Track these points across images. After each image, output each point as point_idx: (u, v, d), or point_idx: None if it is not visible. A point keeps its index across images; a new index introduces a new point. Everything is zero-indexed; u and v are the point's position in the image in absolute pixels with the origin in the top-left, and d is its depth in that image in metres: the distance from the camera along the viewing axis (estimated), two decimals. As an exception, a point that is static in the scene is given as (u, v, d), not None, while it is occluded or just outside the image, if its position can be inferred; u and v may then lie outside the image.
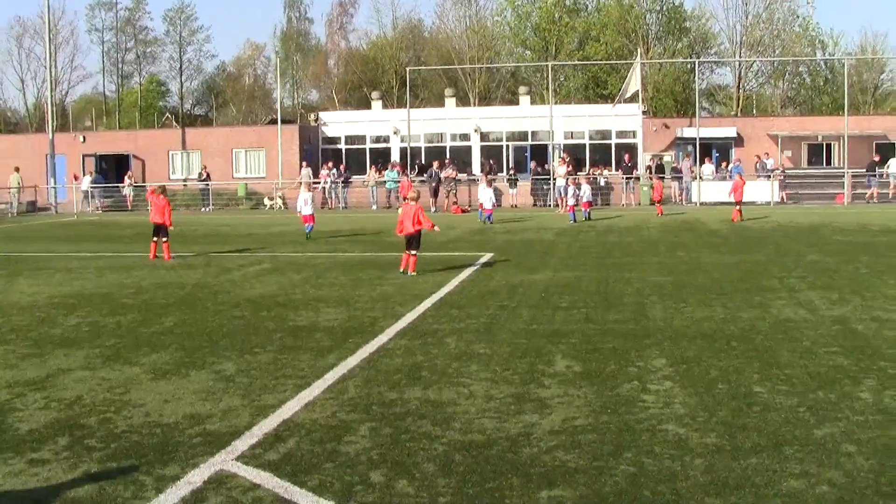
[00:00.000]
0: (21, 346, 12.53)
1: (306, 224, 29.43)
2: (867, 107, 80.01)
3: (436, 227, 20.86)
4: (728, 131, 55.41)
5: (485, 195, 36.76)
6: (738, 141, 55.24)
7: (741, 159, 52.43)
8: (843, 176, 49.27)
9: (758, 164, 50.24)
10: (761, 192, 47.95)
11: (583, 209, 36.70)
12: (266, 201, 52.90)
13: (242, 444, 8.03)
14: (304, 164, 52.42)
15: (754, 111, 78.51)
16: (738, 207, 35.22)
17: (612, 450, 7.70)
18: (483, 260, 22.10)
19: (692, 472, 7.15)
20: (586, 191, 37.25)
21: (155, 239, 23.74)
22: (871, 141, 54.95)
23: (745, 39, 78.54)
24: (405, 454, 7.69)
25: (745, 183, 37.68)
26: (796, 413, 8.69)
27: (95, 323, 14.32)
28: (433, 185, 47.50)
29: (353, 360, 11.20)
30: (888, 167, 49.20)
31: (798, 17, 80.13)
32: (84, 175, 55.13)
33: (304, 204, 29.57)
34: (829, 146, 56.13)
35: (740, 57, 77.10)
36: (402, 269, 19.69)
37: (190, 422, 8.72)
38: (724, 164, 52.27)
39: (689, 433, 8.11)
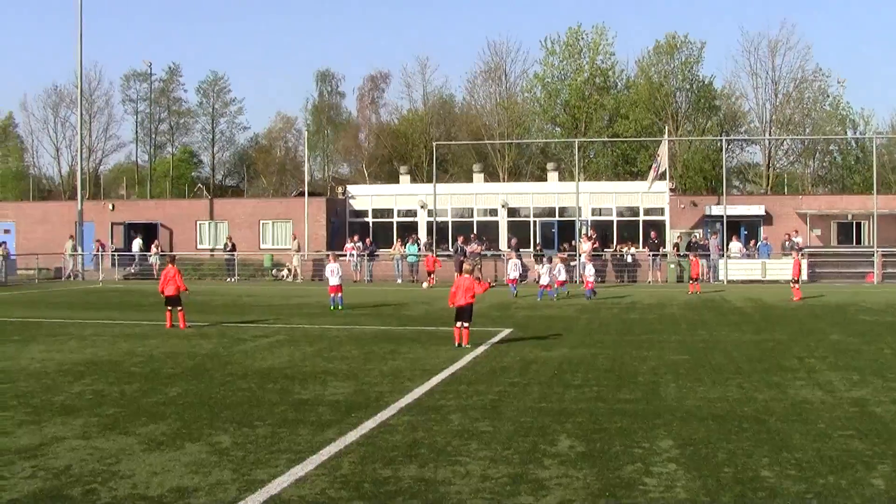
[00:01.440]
0: (20, 413, 12.38)
1: (332, 294, 29.85)
2: (896, 185, 79.66)
3: (492, 284, 21.80)
4: (756, 209, 55.11)
5: (513, 267, 37.62)
6: (767, 219, 54.92)
7: (768, 237, 52.14)
8: (873, 255, 48.77)
9: (787, 243, 49.84)
10: (787, 270, 47.50)
11: (556, 287, 35.75)
12: (274, 272, 52.95)
13: (225, 520, 7.78)
14: (355, 236, 53.01)
15: (785, 190, 78.22)
16: (796, 286, 34.76)
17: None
18: (501, 335, 21.81)
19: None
20: (560, 269, 36.34)
21: (170, 308, 23.75)
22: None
23: (775, 118, 78.63)
24: (390, 535, 7.41)
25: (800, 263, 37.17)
26: (803, 499, 8.36)
27: (99, 391, 14.14)
28: (459, 259, 47.27)
29: (352, 436, 10.93)
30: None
31: (828, 96, 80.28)
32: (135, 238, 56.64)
33: (331, 274, 30.10)
34: (858, 225, 55.70)
35: (770, 135, 77.04)
36: (457, 344, 19.53)
37: (175, 495, 8.48)
38: (752, 243, 51.95)
39: (689, 519, 7.80)
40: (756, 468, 9.42)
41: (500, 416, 12.11)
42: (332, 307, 29.55)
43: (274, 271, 53.12)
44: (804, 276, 46.37)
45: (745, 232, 54.31)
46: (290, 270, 52.12)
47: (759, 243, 51.62)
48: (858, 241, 54.75)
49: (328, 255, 35.74)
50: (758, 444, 10.48)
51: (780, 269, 46.88)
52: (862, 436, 10.87)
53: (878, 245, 49.70)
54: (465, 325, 19.65)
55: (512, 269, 37.31)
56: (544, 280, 35.60)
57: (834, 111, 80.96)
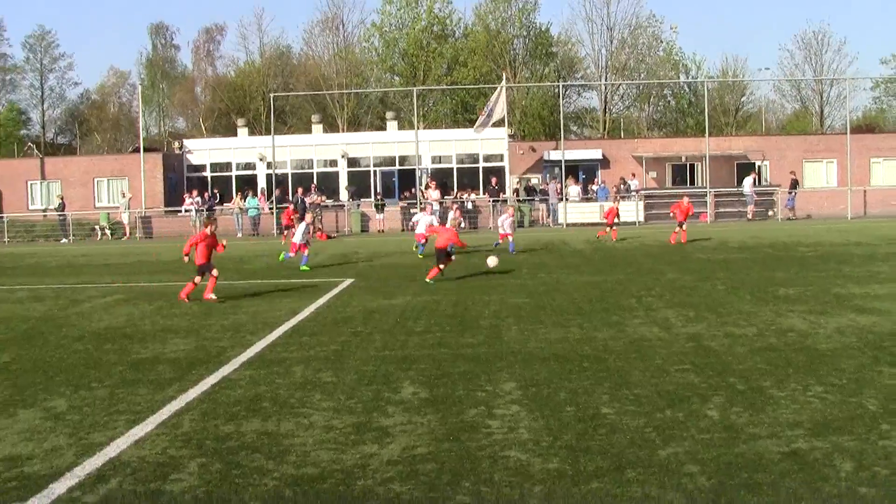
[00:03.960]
0: None
1: (299, 252, 27.20)
2: (729, 128, 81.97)
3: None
4: (594, 153, 56.08)
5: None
6: (604, 163, 55.93)
7: (605, 181, 53.16)
8: (706, 195, 50.15)
9: (621, 185, 50.92)
10: (626, 212, 48.56)
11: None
12: (97, 228, 51.72)
13: (60, 486, 7.51)
14: (193, 192, 51.73)
15: (621, 134, 79.72)
16: (613, 228, 35.43)
17: (450, 479, 7.39)
18: (343, 286, 21.68)
19: (531, 501, 6.90)
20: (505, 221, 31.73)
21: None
22: (733, 161, 56.21)
23: (611, 64, 79.91)
24: (233, 491, 7.27)
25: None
26: (642, 434, 8.51)
27: (-76, 360, 13.53)
28: (300, 212, 46.79)
29: (193, 393, 10.70)
30: (743, 186, 50.32)
31: (662, 42, 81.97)
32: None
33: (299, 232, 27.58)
34: (692, 166, 57.19)
35: (606, 81, 78.30)
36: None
37: (7, 465, 8.14)
38: (590, 186, 52.90)
39: (531, 459, 7.85)
40: (597, 406, 9.57)
41: (344, 366, 12.04)
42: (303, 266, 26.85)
43: (96, 227, 51.74)
44: (640, 218, 47.52)
45: (584, 176, 55.18)
46: (102, 230, 50.87)
47: (597, 187, 52.56)
48: (692, 182, 56.22)
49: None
50: (598, 382, 10.65)
51: (620, 211, 47.81)
52: (697, 370, 11.16)
53: (710, 185, 51.14)
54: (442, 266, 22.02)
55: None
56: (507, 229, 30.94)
57: (667, 56, 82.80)
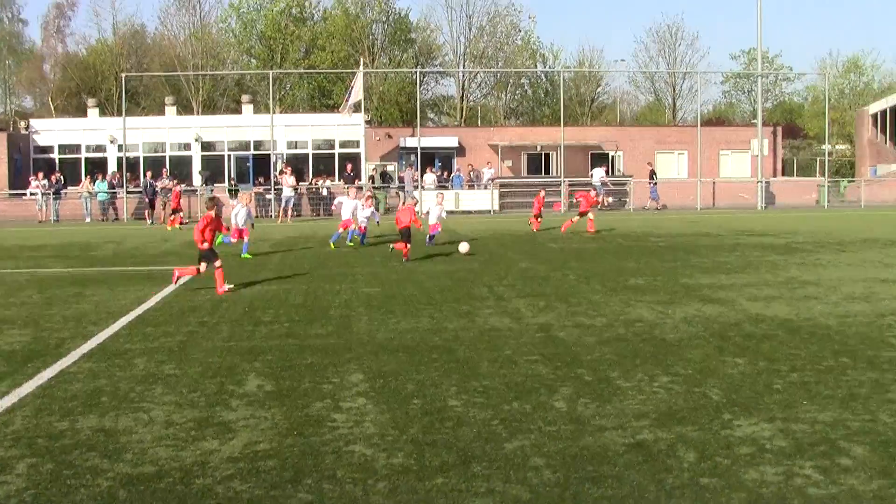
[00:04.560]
0: None
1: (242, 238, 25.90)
2: (585, 118, 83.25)
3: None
4: (450, 141, 56.26)
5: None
6: (461, 151, 56.13)
7: (461, 169, 53.37)
8: (560, 184, 50.73)
9: (472, 173, 51.24)
10: (479, 201, 48.88)
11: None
12: None
13: None
14: (39, 174, 49.96)
15: (479, 122, 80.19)
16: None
17: (291, 476, 7.18)
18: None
19: (374, 497, 6.74)
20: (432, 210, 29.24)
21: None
22: (587, 151, 57.06)
23: (469, 51, 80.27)
24: (63, 493, 6.92)
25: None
26: (489, 426, 8.43)
27: None
28: (148, 196, 45.78)
29: (27, 388, 10.22)
30: (592, 177, 51.12)
31: (520, 31, 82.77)
32: None
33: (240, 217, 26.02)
34: (547, 156, 57.82)
35: (464, 68, 78.62)
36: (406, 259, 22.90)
37: None
38: (445, 174, 53.02)
39: (376, 453, 7.70)
40: (444, 398, 9.47)
41: (188, 357, 11.69)
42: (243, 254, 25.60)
43: None
44: (495, 206, 47.81)
45: (440, 163, 55.27)
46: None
47: (453, 175, 52.72)
48: (547, 172, 56.85)
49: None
50: (447, 373, 10.56)
51: (473, 199, 48.21)
52: (546, 360, 11.16)
53: (564, 175, 51.73)
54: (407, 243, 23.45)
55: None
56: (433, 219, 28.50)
57: (525, 46, 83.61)
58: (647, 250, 25.94)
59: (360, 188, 39.65)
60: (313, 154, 55.43)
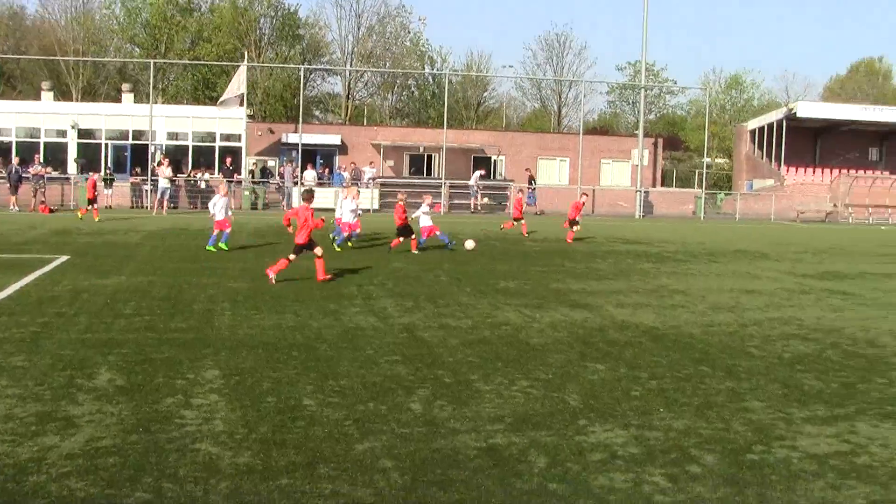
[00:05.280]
0: None
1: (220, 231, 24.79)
2: (470, 122, 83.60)
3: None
4: (333, 139, 55.91)
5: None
6: (343, 149, 55.85)
7: (343, 167, 53.12)
8: (441, 185, 50.78)
9: (352, 171, 51.04)
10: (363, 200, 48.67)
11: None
12: None
13: None
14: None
15: (365, 121, 79.93)
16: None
17: (131, 475, 6.93)
18: (55, 263, 20.56)
19: (213, 497, 6.54)
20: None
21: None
22: (470, 154, 57.27)
23: (357, 50, 79.91)
24: None
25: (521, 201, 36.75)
26: (341, 427, 8.28)
27: None
28: (14, 182, 44.30)
29: None
30: (471, 179, 51.28)
31: (409, 32, 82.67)
32: None
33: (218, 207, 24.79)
34: (429, 157, 57.86)
35: (351, 66, 78.26)
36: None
37: None
38: (325, 171, 52.72)
39: (222, 452, 7.48)
40: (299, 396, 9.29)
41: (39, 349, 11.27)
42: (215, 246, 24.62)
43: None
44: (376, 206, 47.65)
45: (321, 161, 54.89)
46: None
47: (334, 173, 52.43)
48: (429, 173, 56.88)
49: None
50: (305, 371, 10.38)
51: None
52: (407, 361, 11.06)
53: (446, 177, 51.80)
54: (402, 238, 25.31)
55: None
56: (426, 221, 26.81)
57: (414, 47, 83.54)
58: (520, 254, 26.05)
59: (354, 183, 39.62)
60: (194, 146, 54.41)
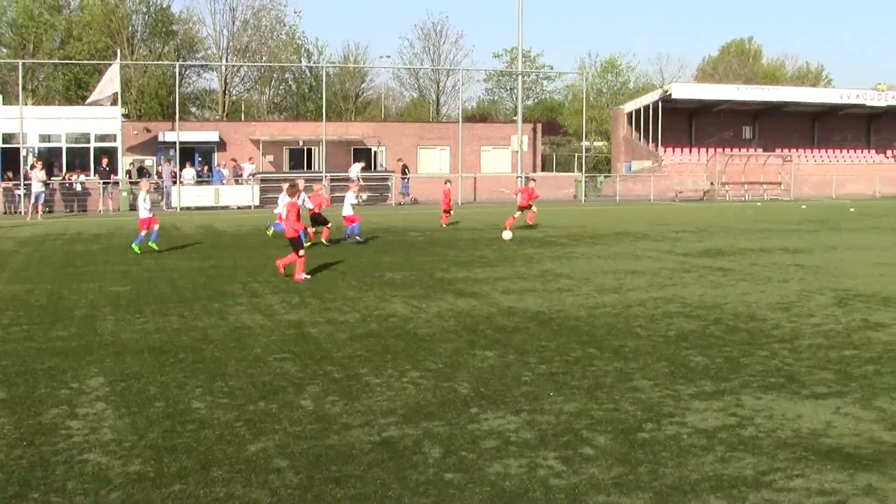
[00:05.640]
0: None
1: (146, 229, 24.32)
2: (349, 114, 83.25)
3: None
4: (211, 135, 55.21)
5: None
6: (221, 146, 55.20)
7: (223, 163, 52.54)
8: (323, 179, 50.51)
9: (232, 168, 50.57)
10: (239, 196, 48.36)
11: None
12: None
13: None
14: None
15: (242, 116, 79.07)
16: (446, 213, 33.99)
17: (17, 491, 6.75)
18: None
19: (104, 508, 6.41)
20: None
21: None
22: (350, 146, 57.09)
23: (233, 45, 78.94)
24: None
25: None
26: (232, 428, 8.19)
27: None
28: None
29: None
30: (349, 172, 50.98)
31: (285, 25, 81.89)
32: None
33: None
34: (309, 151, 57.51)
35: (227, 62, 77.30)
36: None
37: None
38: (204, 168, 52.06)
39: (111, 461, 7.34)
40: (188, 400, 9.16)
41: (-88, 365, 10.91)
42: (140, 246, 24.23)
43: None
44: (256, 202, 47.25)
45: (200, 158, 54.16)
46: None
47: (213, 170, 51.81)
48: (310, 167, 56.50)
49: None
50: (193, 374, 10.23)
51: (233, 195, 47.62)
52: (296, 358, 10.99)
53: (327, 170, 51.54)
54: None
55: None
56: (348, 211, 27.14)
57: (290, 40, 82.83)
58: (405, 244, 26.06)
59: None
60: (67, 147, 53.11)
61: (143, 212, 24.17)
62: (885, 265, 20.95)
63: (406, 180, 53.40)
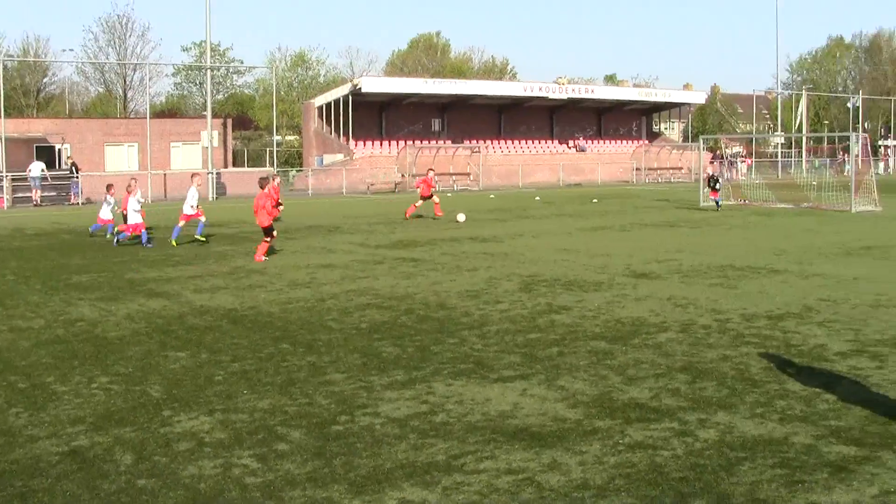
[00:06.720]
0: None
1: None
2: (31, 110, 79.76)
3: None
4: None
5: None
6: None
7: None
8: (3, 179, 48.11)
9: None
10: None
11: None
12: None
13: None
14: None
15: None
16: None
17: None
18: None
19: None
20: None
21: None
22: (32, 143, 54.66)
23: None
24: None
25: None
26: None
27: None
28: None
29: None
30: (29, 171, 48.71)
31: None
32: None
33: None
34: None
35: None
36: None
37: None
38: None
39: None
40: None
41: None
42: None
43: None
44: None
45: None
46: None
47: None
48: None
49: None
50: None
51: None
52: (-25, 369, 10.48)
53: (7, 170, 49.10)
54: None
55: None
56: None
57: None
58: (94, 246, 25.20)
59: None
60: None
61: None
62: (567, 251, 22.08)
63: (77, 180, 50.66)
